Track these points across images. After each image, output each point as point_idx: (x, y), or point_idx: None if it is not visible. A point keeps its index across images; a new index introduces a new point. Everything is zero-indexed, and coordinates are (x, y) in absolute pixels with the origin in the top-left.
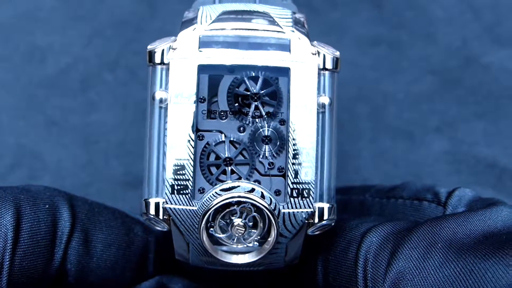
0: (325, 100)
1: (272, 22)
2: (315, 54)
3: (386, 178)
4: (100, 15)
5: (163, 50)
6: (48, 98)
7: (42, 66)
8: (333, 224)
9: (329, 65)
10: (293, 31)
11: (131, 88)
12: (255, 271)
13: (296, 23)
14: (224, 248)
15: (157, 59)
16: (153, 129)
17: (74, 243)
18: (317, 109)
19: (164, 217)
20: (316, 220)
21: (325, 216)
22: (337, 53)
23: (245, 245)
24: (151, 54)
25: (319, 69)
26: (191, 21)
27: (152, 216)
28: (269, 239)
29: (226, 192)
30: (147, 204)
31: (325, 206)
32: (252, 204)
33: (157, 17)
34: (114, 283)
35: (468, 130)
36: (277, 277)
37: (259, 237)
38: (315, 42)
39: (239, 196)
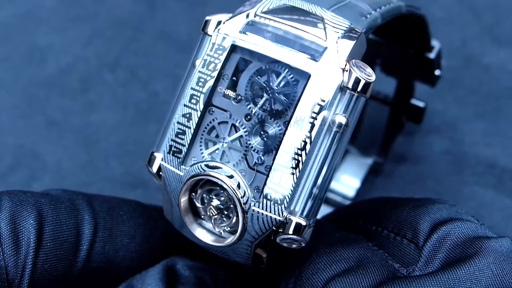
0: (341, 119)
1: (320, 27)
2: (346, 71)
3: (386, 178)
4: (100, 15)
5: (218, 22)
6: (48, 98)
7: (42, 66)
8: (303, 244)
9: (358, 88)
10: (336, 42)
11: (131, 88)
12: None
13: (349, 36)
14: (201, 222)
15: (209, 30)
16: (184, 89)
17: (98, 243)
18: (331, 126)
19: (160, 172)
20: (291, 231)
21: (301, 232)
22: (371, 78)
23: (215, 227)
24: (206, 23)
25: (346, 88)
26: (252, 5)
27: (150, 169)
28: (237, 231)
29: (209, 169)
30: (152, 157)
31: (302, 222)
32: (222, 188)
33: (157, 17)
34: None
35: (468, 130)
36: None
37: (230, 228)
38: (354, 60)
39: (212, 176)
